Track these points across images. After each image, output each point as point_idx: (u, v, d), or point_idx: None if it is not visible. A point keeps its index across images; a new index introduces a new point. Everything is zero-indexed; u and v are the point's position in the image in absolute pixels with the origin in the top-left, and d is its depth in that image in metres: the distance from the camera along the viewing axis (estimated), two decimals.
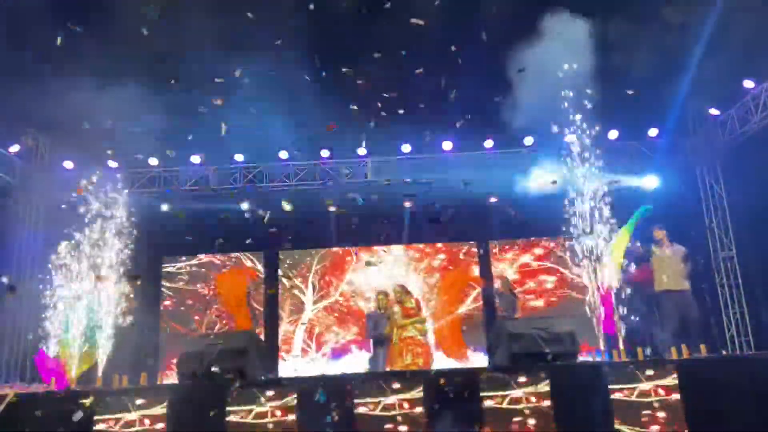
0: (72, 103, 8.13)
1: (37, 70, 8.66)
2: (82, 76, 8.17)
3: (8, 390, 5.96)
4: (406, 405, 5.48)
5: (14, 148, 10.98)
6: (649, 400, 5.45)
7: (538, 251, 12.33)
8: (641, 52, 9.47)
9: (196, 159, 12.00)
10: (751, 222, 10.78)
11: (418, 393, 5.50)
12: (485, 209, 11.67)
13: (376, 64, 9.56)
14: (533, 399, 5.47)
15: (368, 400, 5.50)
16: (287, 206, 8.70)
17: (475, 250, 12.38)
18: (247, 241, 11.75)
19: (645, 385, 5.50)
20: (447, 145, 11.95)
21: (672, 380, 5.49)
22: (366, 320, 8.90)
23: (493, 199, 11.65)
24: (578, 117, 7.93)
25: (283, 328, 11.95)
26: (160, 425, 5.48)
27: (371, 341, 8.62)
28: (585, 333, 7.26)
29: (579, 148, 7.87)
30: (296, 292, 12.26)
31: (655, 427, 5.38)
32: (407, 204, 11.74)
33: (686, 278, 7.81)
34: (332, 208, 10.83)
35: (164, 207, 11.53)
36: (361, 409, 5.47)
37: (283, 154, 12.02)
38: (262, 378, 6.30)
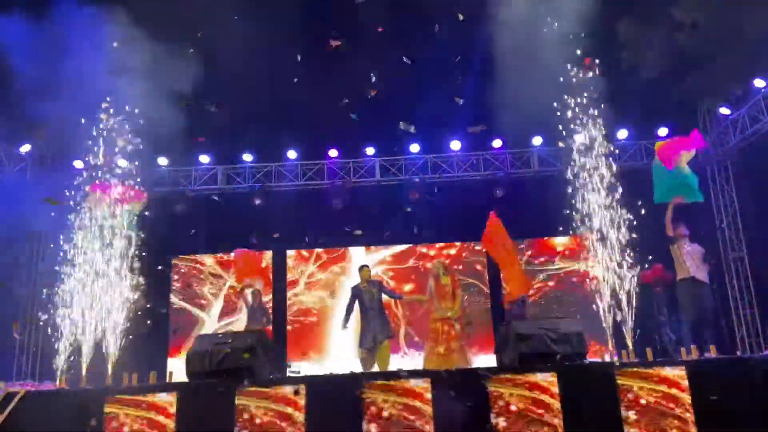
0: (78, 102, 8.19)
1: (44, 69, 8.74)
2: (85, 75, 8.23)
3: (19, 388, 6.01)
4: (415, 404, 5.48)
5: (25, 148, 11.08)
6: (658, 400, 5.42)
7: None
8: (652, 51, 9.44)
9: (204, 159, 12.07)
10: (762, 222, 10.70)
11: (426, 392, 5.50)
12: (494, 207, 11.67)
13: (385, 64, 9.61)
14: (541, 399, 5.45)
15: (376, 398, 5.50)
16: None
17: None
18: (255, 240, 11.91)
19: (654, 386, 5.47)
20: (455, 145, 11.97)
21: (682, 380, 5.46)
22: (350, 299, 8.16)
23: (499, 193, 11.65)
24: (587, 117, 7.89)
25: None
26: (170, 424, 5.50)
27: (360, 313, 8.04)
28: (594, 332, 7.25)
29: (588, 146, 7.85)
30: None
31: (665, 428, 5.35)
32: (414, 196, 11.73)
33: (707, 274, 7.79)
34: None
35: (178, 208, 11.60)
36: (368, 407, 5.47)
37: (292, 154, 12.08)
38: (271, 376, 6.31)
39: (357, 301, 7.99)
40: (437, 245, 12.40)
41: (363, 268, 8.25)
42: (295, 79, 9.66)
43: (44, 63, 8.74)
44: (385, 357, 7.76)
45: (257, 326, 8.59)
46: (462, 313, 8.02)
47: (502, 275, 8.47)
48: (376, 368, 7.69)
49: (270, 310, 11.16)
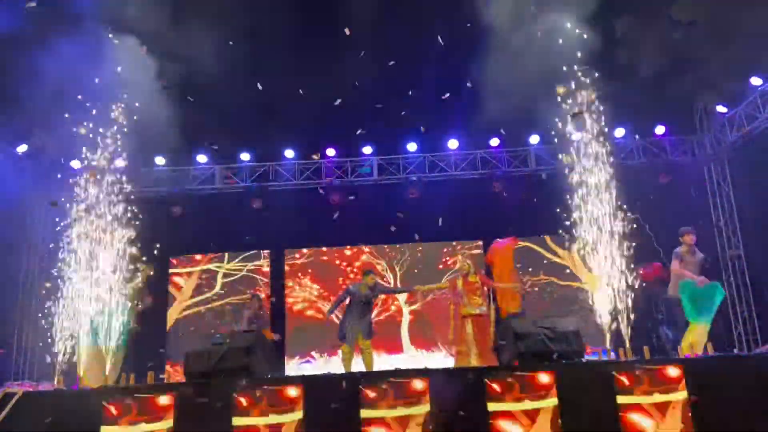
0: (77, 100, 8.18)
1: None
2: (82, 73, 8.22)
3: (17, 388, 6.00)
4: (412, 402, 5.48)
5: (22, 148, 11.05)
6: (655, 398, 5.44)
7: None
8: (649, 49, 9.44)
9: (202, 158, 12.06)
10: (759, 220, 10.73)
11: (425, 391, 5.50)
12: (491, 206, 11.70)
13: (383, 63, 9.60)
14: (539, 397, 5.46)
15: (375, 397, 5.50)
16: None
17: None
18: (254, 240, 11.92)
19: (651, 384, 5.48)
20: (453, 144, 11.98)
21: (679, 378, 5.47)
22: (344, 293, 8.28)
23: (496, 186, 11.64)
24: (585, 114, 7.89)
25: None
26: (168, 423, 5.50)
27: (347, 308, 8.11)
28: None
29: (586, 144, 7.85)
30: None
31: (662, 426, 5.37)
32: (413, 195, 11.71)
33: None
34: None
35: (176, 211, 11.59)
36: (367, 407, 5.47)
37: (289, 153, 12.07)
38: (268, 376, 6.31)
39: (348, 299, 8.12)
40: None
41: (369, 275, 8.28)
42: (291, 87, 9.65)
43: (42, 60, 8.73)
44: (369, 361, 7.96)
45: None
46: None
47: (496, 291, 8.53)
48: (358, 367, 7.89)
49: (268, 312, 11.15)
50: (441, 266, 12.25)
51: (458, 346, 7.85)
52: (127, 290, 8.04)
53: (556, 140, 8.28)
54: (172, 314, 11.99)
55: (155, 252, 9.10)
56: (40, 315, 8.12)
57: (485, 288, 8.14)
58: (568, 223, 7.92)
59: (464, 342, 7.73)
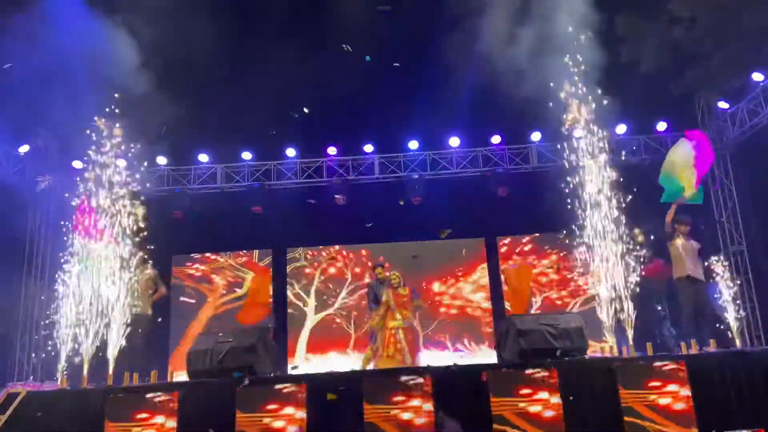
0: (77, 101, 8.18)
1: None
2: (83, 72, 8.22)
3: (20, 388, 6.02)
4: (415, 401, 5.49)
5: (24, 149, 11.06)
6: (658, 394, 5.44)
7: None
8: (650, 45, 9.43)
9: (204, 158, 12.06)
10: (761, 215, 10.72)
11: (427, 389, 5.51)
12: (493, 203, 11.70)
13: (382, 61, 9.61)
14: (542, 395, 5.46)
15: (377, 395, 5.51)
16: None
17: None
18: (256, 239, 11.93)
19: (654, 380, 5.49)
20: (454, 141, 11.96)
21: (682, 375, 5.47)
22: (367, 292, 9.03)
23: (503, 192, 11.62)
24: (586, 111, 7.86)
25: None
26: (171, 422, 5.51)
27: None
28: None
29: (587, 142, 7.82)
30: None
31: (665, 422, 5.37)
32: (416, 201, 11.73)
33: (702, 272, 7.86)
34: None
35: (177, 214, 11.59)
36: (370, 405, 5.48)
37: (291, 152, 12.08)
38: (272, 374, 6.32)
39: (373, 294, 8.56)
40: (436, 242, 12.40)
41: (377, 267, 8.78)
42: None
43: (42, 60, 8.73)
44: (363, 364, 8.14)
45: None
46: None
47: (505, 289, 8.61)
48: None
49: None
50: (442, 264, 12.27)
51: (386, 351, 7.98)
52: (139, 278, 8.05)
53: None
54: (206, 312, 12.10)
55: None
56: (43, 314, 8.13)
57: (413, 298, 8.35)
58: (569, 220, 7.90)
59: (398, 352, 7.90)
